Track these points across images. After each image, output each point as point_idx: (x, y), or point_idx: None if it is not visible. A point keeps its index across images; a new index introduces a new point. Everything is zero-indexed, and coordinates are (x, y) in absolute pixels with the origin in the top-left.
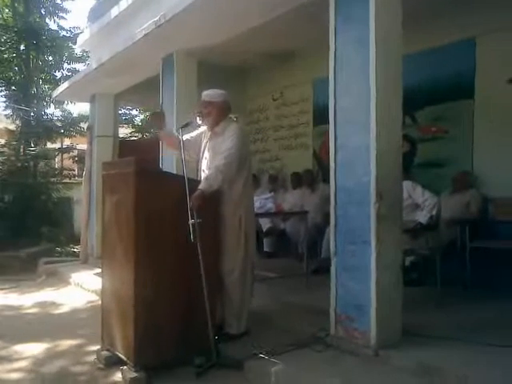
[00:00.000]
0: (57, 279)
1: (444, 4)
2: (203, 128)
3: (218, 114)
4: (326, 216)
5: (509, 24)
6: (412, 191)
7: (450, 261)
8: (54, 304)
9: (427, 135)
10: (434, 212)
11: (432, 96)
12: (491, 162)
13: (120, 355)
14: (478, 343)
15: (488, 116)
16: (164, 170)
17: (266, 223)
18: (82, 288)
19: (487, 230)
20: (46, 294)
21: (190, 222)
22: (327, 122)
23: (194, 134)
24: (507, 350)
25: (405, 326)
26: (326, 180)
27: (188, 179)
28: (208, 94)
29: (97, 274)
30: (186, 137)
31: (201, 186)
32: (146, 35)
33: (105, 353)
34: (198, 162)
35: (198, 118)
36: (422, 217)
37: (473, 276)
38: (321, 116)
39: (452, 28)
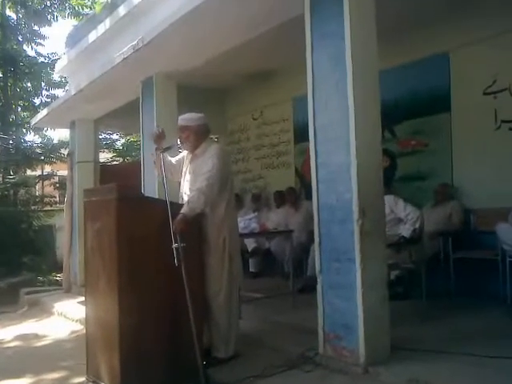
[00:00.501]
0: (39, 309)
1: (417, 20)
2: (184, 152)
3: (196, 138)
4: (311, 234)
5: (480, 38)
6: (394, 205)
7: (434, 273)
8: (36, 336)
9: (407, 149)
10: (417, 225)
11: (410, 110)
12: (470, 173)
13: None
14: (465, 355)
15: (465, 128)
16: (146, 194)
17: (250, 243)
18: (65, 318)
19: (470, 241)
20: (28, 326)
21: (174, 246)
22: (308, 139)
23: (177, 157)
24: (495, 360)
25: (393, 340)
26: (310, 198)
27: (170, 203)
28: (184, 118)
29: (80, 302)
30: (172, 160)
31: (183, 210)
32: (124, 59)
33: None
34: (180, 185)
35: (179, 142)
36: (405, 230)
37: (457, 286)
38: (301, 134)
39: (426, 43)
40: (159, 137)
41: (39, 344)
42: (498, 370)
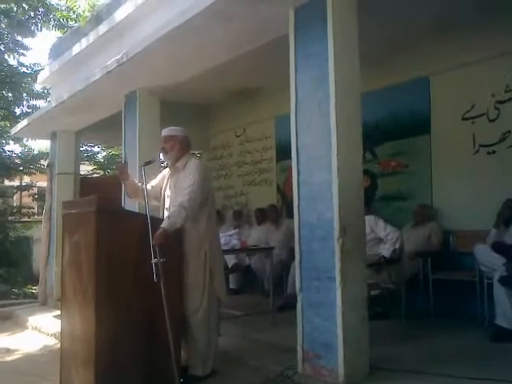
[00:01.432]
0: (13, 323)
1: (398, 44)
2: (164, 171)
3: (180, 148)
4: (291, 252)
5: (459, 63)
6: (374, 225)
7: (413, 293)
8: (8, 350)
9: (387, 170)
10: (396, 245)
11: (391, 132)
12: (449, 195)
13: None
14: (443, 376)
15: (445, 151)
16: (126, 208)
17: (231, 259)
18: (39, 332)
19: (449, 262)
20: (1, 340)
21: (153, 261)
22: (290, 157)
23: (155, 181)
24: (472, 381)
25: (372, 360)
26: (291, 215)
27: (151, 218)
28: (168, 129)
29: (56, 316)
30: (149, 186)
31: (163, 224)
32: (108, 73)
33: None
34: (162, 200)
35: (160, 155)
36: (385, 250)
37: (436, 307)
38: (284, 152)
39: (407, 67)
40: (122, 170)
41: (11, 359)
42: None
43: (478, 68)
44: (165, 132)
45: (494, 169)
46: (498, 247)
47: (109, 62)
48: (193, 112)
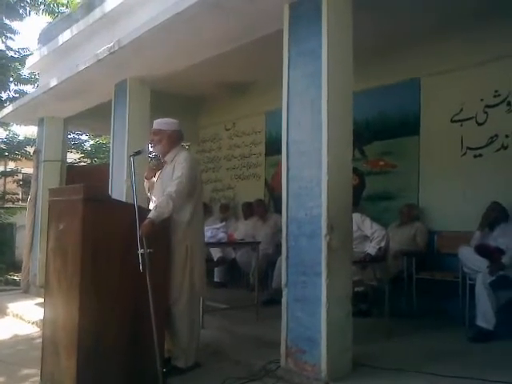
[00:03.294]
0: None
1: (390, 45)
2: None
3: (168, 143)
4: (278, 247)
5: (450, 66)
6: (361, 223)
7: (397, 292)
8: None
9: (375, 169)
10: (382, 244)
11: (380, 131)
12: (436, 196)
13: None
14: (425, 373)
15: (433, 152)
16: (114, 197)
17: (216, 252)
18: (21, 319)
19: (433, 262)
20: None
21: (140, 251)
22: (279, 152)
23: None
24: (453, 379)
25: (355, 357)
26: (278, 210)
27: (138, 208)
28: (159, 122)
29: (39, 304)
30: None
31: (151, 215)
32: (98, 61)
33: None
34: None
35: (149, 146)
36: (371, 248)
37: (419, 306)
38: (273, 147)
39: (398, 68)
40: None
41: None
42: None
43: (468, 72)
44: (155, 124)
45: (481, 172)
46: (482, 249)
47: (100, 50)
48: (183, 104)
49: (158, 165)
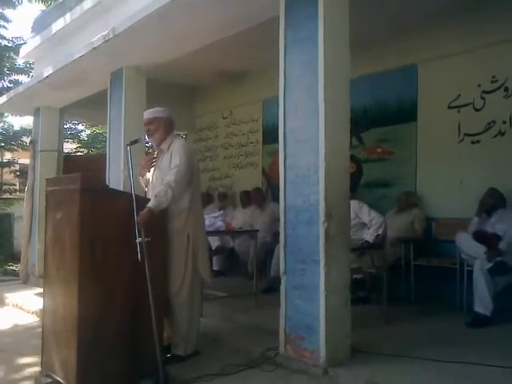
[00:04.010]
0: None
1: (388, 31)
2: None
3: (165, 130)
4: (276, 235)
5: (447, 52)
6: (358, 211)
7: (395, 278)
8: None
9: (373, 156)
10: (380, 231)
11: (377, 118)
12: (433, 183)
13: (61, 380)
14: (423, 359)
15: (430, 139)
16: (111, 187)
17: (214, 241)
18: (21, 309)
19: (430, 249)
20: None
21: (138, 240)
22: (276, 141)
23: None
24: (451, 365)
25: (353, 343)
26: (276, 199)
27: (136, 197)
28: (151, 111)
29: (38, 294)
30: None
31: (150, 204)
32: (93, 49)
33: (44, 378)
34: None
35: (146, 136)
36: (369, 235)
37: (417, 292)
38: (270, 135)
39: (395, 54)
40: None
41: None
42: (453, 375)
43: (465, 58)
44: (148, 114)
45: (478, 158)
46: (479, 236)
47: (95, 38)
48: (179, 92)
49: (151, 159)
